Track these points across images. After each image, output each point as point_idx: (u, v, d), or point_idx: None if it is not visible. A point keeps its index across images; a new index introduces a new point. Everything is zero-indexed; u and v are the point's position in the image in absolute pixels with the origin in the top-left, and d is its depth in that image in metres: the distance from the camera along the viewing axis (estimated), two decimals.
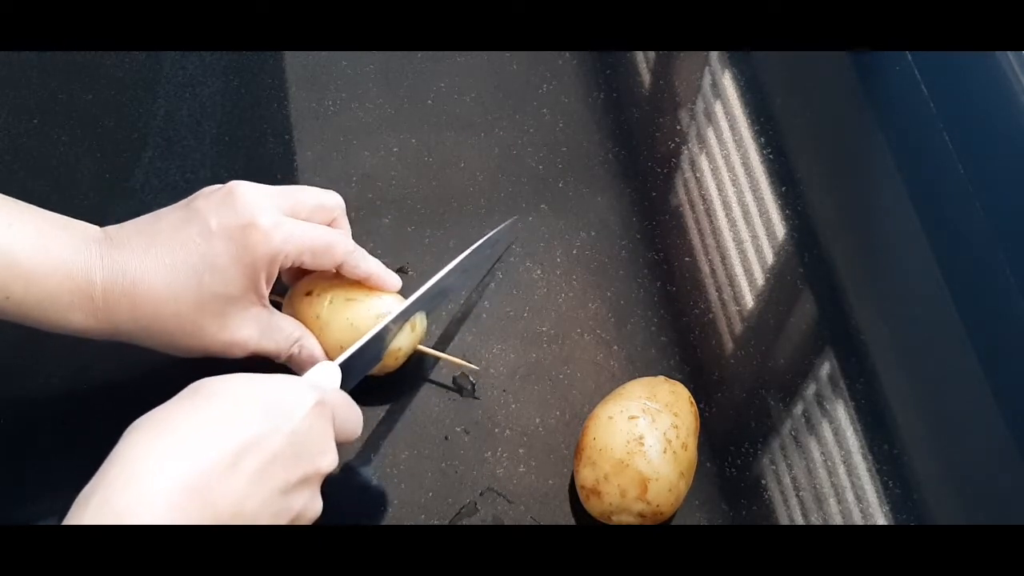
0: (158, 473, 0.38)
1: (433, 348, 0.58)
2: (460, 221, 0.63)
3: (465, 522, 0.54)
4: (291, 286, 0.56)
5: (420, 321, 0.55)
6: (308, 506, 0.44)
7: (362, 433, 0.56)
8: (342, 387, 0.50)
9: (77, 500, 0.38)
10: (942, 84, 0.66)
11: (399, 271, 0.61)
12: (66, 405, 0.56)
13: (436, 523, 0.53)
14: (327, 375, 0.49)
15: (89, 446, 0.40)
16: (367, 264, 0.53)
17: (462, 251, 0.58)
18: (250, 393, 0.42)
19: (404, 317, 0.54)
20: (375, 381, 0.55)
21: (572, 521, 0.54)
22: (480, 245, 0.59)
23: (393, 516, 0.54)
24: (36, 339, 0.55)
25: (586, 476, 0.51)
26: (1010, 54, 0.60)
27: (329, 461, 0.44)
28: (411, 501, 0.54)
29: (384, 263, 0.57)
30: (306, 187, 0.53)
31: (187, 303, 0.47)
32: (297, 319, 0.53)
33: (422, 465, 0.55)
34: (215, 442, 0.39)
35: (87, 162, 0.64)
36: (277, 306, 0.53)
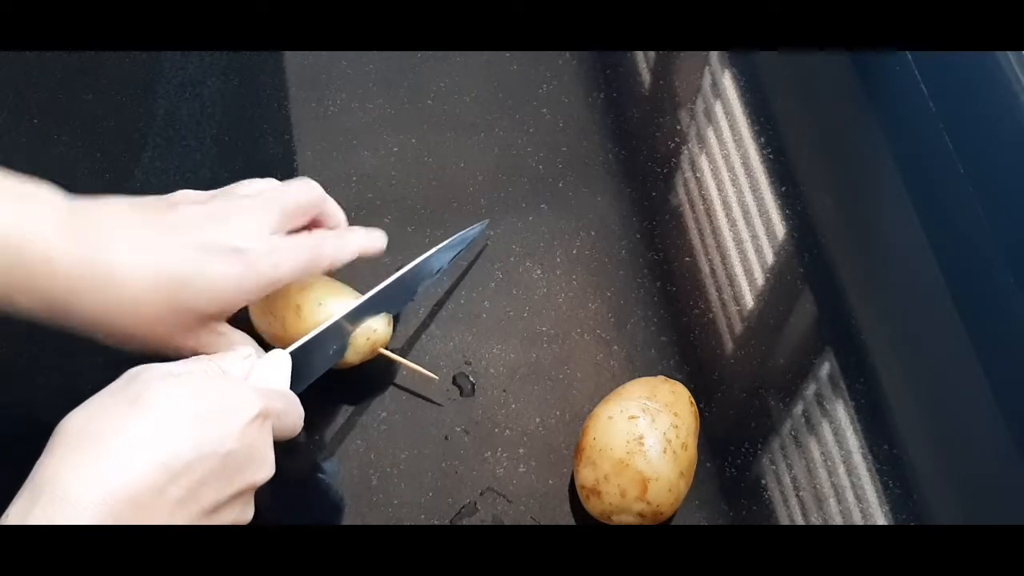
0: (82, 494, 0.37)
1: (428, 347, 0.58)
2: (460, 221, 0.63)
3: (465, 522, 0.54)
4: None
5: (386, 321, 0.55)
6: (238, 518, 0.43)
7: (361, 433, 0.56)
8: (296, 382, 0.49)
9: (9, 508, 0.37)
10: (942, 84, 0.66)
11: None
12: (66, 405, 0.56)
13: (436, 523, 0.53)
14: (276, 367, 0.48)
15: None
16: (352, 248, 0.52)
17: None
18: (187, 406, 0.40)
19: (366, 312, 0.53)
20: (359, 373, 0.55)
21: (572, 521, 0.54)
22: (446, 245, 0.59)
23: (393, 516, 0.54)
24: (36, 339, 0.55)
25: (586, 476, 0.51)
26: (1010, 54, 0.60)
27: (264, 474, 0.43)
28: (411, 501, 0.54)
29: (384, 263, 0.57)
30: (283, 189, 0.51)
31: (163, 308, 0.45)
32: (274, 309, 0.52)
33: (422, 465, 0.55)
34: (143, 465, 0.38)
35: (87, 162, 0.64)
36: None
